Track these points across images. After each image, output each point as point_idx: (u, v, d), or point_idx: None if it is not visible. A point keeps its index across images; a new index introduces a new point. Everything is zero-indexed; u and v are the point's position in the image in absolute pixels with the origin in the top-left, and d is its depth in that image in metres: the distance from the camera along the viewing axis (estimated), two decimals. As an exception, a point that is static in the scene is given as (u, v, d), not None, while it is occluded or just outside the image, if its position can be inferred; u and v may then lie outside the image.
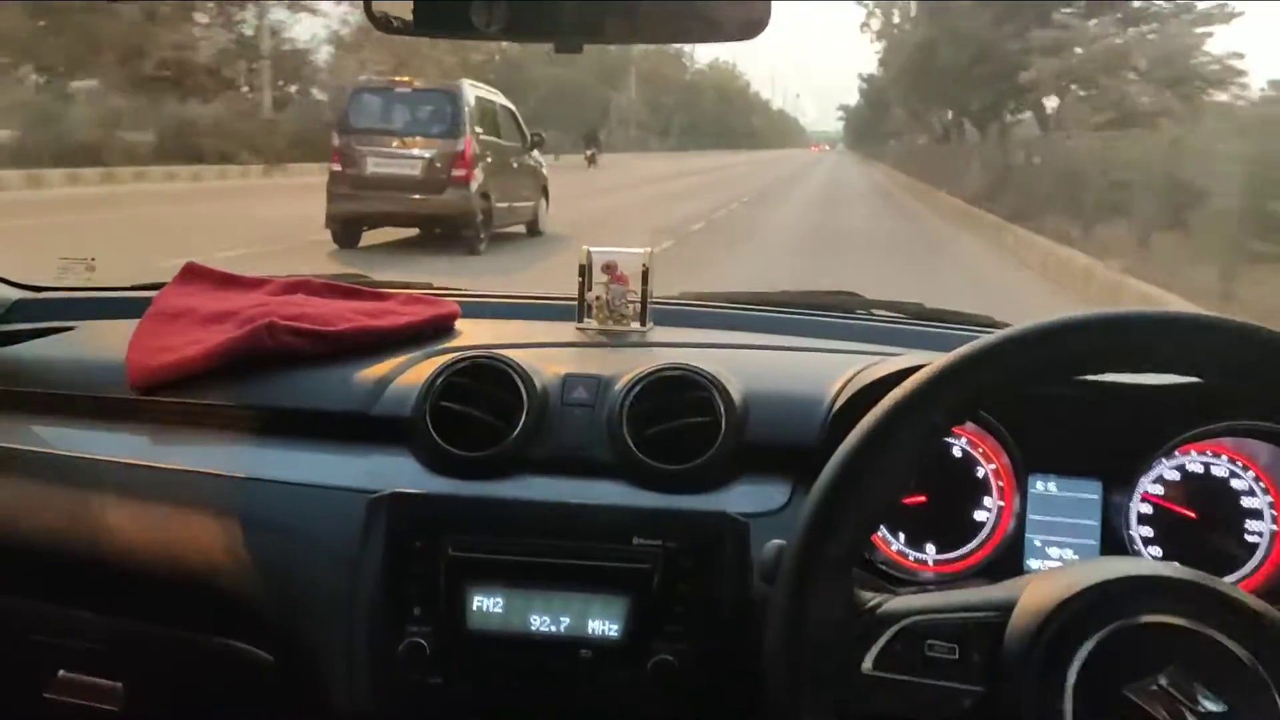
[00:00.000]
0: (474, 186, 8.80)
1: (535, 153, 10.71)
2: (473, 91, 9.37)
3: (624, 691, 0.88)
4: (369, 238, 9.02)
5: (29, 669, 1.04)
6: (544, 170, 10.90)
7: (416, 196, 8.76)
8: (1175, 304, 5.77)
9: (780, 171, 33.26)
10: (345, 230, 8.76)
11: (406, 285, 1.33)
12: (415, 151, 8.88)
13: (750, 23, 0.87)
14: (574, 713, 0.90)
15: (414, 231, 9.36)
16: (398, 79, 9.89)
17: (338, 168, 8.87)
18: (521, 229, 10.34)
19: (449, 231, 8.87)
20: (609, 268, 1.20)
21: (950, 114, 26.06)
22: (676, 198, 16.38)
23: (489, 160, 9.19)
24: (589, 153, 26.21)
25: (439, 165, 8.78)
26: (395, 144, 8.92)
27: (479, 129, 9.21)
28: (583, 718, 0.91)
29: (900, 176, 31.83)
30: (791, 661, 0.68)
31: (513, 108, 10.45)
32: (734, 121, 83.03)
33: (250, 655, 0.97)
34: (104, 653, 1.03)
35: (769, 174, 30.29)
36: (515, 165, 10.08)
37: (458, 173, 8.74)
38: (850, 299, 1.40)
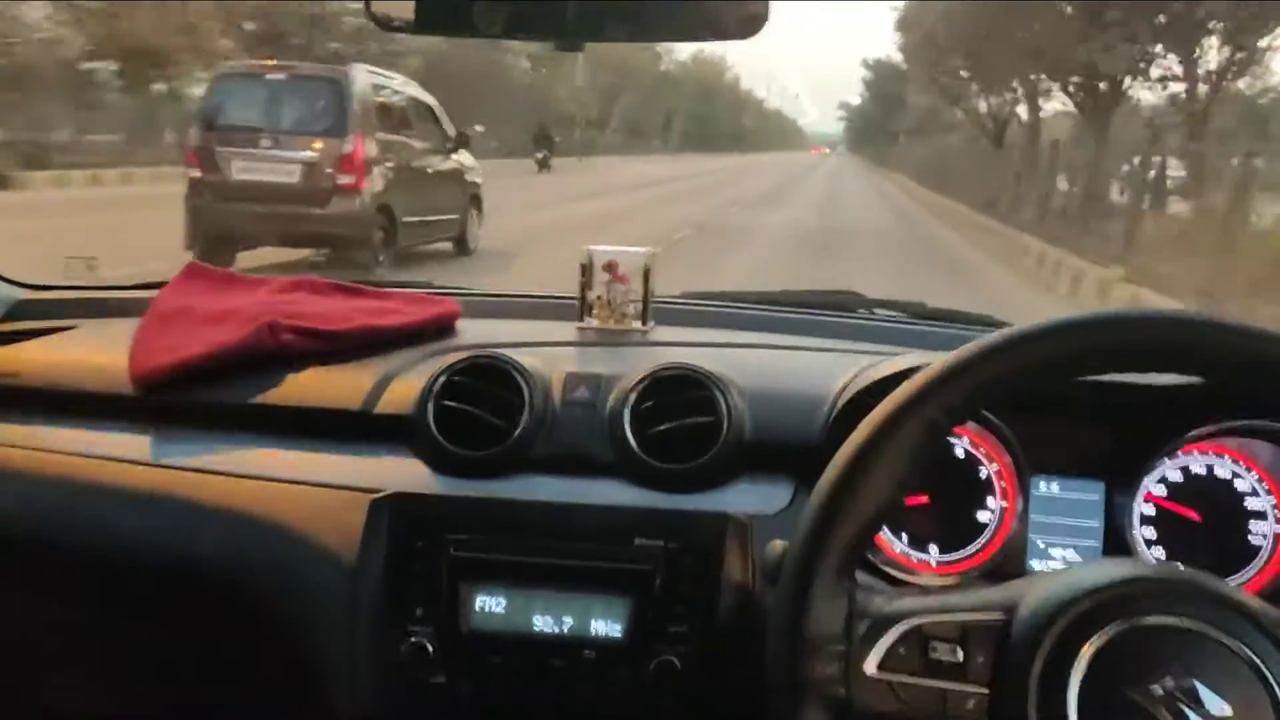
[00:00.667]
0: (367, 196, 8.84)
1: (464, 155, 10.79)
2: (367, 78, 9.40)
3: (626, 692, 1.10)
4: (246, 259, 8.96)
5: (28, 670, 1.27)
6: (475, 176, 10.95)
7: (295, 209, 8.73)
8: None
9: (758, 185, 32.58)
10: (212, 251, 8.61)
11: (407, 284, 1.62)
12: (292, 153, 8.86)
13: (750, 20, 1.13)
14: (576, 713, 1.12)
15: (303, 252, 9.33)
16: (270, 62, 9.85)
17: (197, 173, 8.87)
18: (445, 246, 10.40)
19: (338, 251, 8.90)
20: (610, 267, 1.49)
21: (1018, 89, 22.10)
22: (620, 220, 16.43)
23: (390, 164, 9.25)
24: (539, 155, 26.45)
25: (323, 170, 8.79)
26: (267, 144, 8.90)
27: (376, 124, 9.25)
28: (585, 718, 1.13)
29: (928, 196, 28.56)
30: (794, 662, 0.82)
31: (429, 99, 10.54)
32: (720, 121, 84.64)
33: (251, 655, 1.21)
34: (104, 653, 1.26)
35: (748, 187, 30.28)
36: (430, 170, 10.18)
37: (344, 179, 8.77)
38: (852, 298, 1.69)
